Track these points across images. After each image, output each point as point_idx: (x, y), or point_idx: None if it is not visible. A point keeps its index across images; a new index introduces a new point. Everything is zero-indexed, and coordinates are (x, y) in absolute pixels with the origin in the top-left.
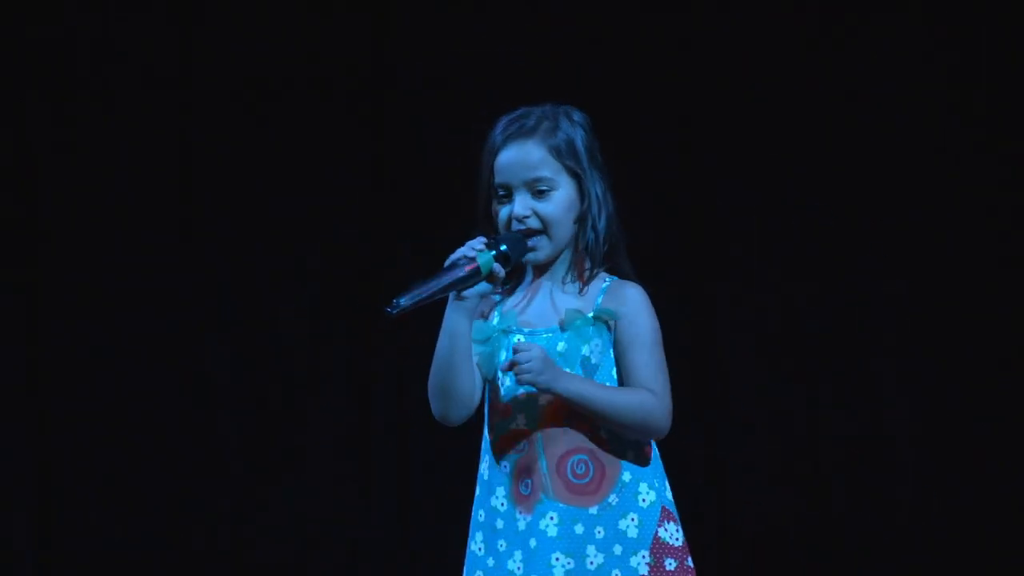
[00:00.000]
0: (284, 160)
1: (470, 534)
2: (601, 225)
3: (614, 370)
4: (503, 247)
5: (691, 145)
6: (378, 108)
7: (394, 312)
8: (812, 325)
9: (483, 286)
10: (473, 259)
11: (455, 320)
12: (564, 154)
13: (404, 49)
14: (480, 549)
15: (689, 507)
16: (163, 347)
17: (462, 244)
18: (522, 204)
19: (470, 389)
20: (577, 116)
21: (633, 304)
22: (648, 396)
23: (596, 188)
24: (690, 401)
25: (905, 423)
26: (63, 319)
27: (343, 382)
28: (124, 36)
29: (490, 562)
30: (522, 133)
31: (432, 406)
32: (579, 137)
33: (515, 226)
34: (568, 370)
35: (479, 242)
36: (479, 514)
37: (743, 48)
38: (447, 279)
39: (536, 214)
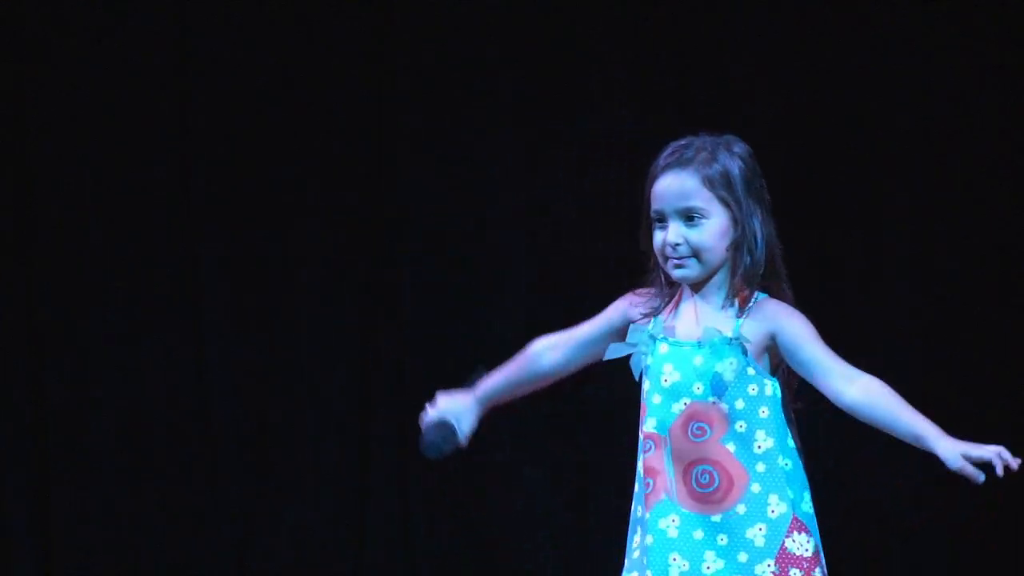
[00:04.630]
0: (284, 169)
1: (630, 529)
2: (757, 253)
3: (749, 387)
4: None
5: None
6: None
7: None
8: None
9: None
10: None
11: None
12: (717, 184)
13: (404, 47)
14: (636, 541)
15: None
16: (162, 349)
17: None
18: (674, 232)
19: (532, 380)
20: (737, 147)
21: (776, 316)
22: (871, 381)
23: (751, 218)
24: None
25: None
26: (62, 319)
27: (343, 397)
28: (124, 33)
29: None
30: (679, 163)
31: None
32: (735, 167)
33: (668, 252)
34: (699, 384)
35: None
36: (637, 509)
37: (745, 42)
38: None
39: (687, 242)
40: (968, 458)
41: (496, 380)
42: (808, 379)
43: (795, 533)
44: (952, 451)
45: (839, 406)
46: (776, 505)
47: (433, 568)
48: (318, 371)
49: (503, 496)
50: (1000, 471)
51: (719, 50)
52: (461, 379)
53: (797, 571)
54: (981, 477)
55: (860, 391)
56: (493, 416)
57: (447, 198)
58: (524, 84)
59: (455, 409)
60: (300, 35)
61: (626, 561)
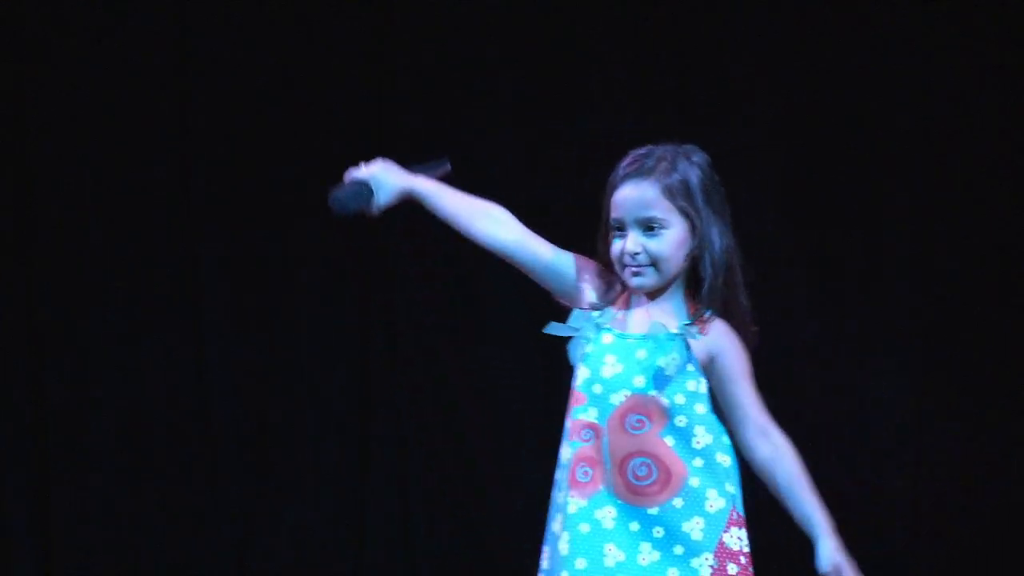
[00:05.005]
0: (284, 169)
1: (551, 514)
2: (716, 263)
3: (688, 383)
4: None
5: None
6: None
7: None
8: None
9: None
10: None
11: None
12: (677, 195)
13: (403, 49)
14: (557, 528)
15: None
16: (162, 349)
17: None
18: (633, 241)
19: (468, 228)
20: (697, 157)
21: (721, 339)
22: (784, 447)
23: (709, 228)
24: None
25: (896, 425)
26: (62, 318)
27: (342, 395)
28: (124, 33)
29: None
30: (640, 173)
31: None
32: (695, 178)
33: (627, 260)
34: (641, 377)
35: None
36: (558, 495)
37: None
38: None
39: (646, 251)
40: (836, 573)
41: (440, 193)
42: (725, 415)
43: (733, 528)
44: (828, 557)
45: (744, 457)
46: (715, 500)
47: (433, 568)
48: (318, 371)
49: (503, 496)
50: None
51: (719, 50)
52: (455, 362)
53: (735, 566)
54: None
55: (767, 454)
56: (492, 417)
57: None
58: (524, 84)
59: (383, 180)
60: (300, 35)
61: (546, 548)
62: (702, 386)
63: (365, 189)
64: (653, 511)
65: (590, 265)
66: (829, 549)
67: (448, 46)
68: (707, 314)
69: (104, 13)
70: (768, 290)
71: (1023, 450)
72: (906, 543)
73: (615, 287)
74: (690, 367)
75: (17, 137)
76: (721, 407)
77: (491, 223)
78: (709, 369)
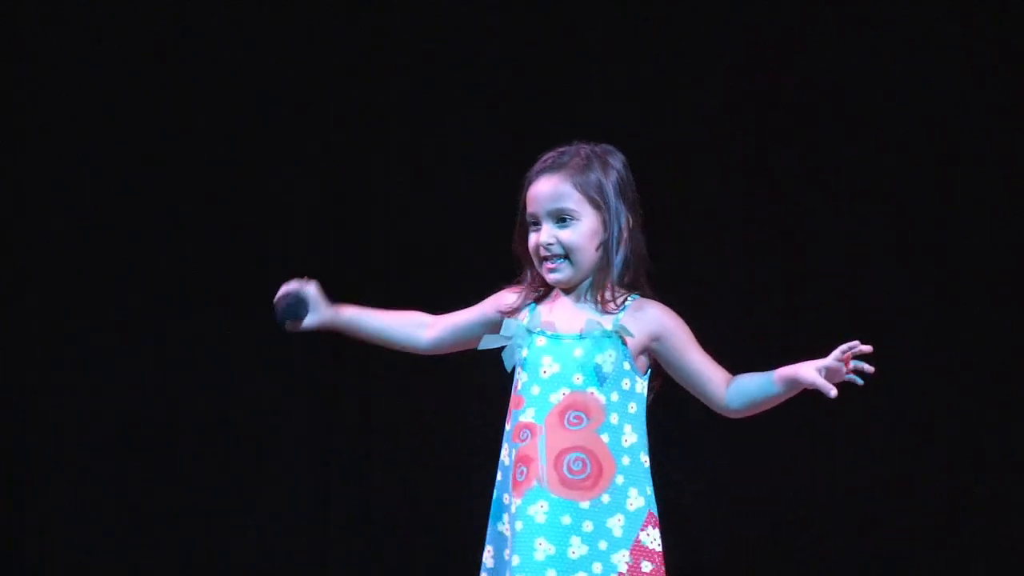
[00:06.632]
0: (283, 169)
1: (493, 515)
2: (622, 254)
3: (623, 381)
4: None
5: (692, 145)
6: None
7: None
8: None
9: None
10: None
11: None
12: (589, 188)
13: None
14: (506, 529)
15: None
16: (159, 349)
17: None
18: (547, 233)
19: (402, 339)
20: (611, 156)
21: (662, 320)
22: (733, 377)
23: (620, 220)
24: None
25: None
26: (60, 319)
27: (307, 411)
28: (123, 33)
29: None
30: (553, 167)
31: None
32: (609, 173)
33: (542, 252)
34: (580, 375)
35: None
36: (503, 496)
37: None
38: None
39: (559, 241)
40: (820, 371)
41: (361, 317)
42: (687, 386)
43: (649, 527)
44: (809, 369)
45: (723, 413)
46: (635, 498)
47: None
48: (290, 378)
49: (466, 503)
50: (849, 370)
51: (719, 50)
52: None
53: (649, 564)
54: (832, 392)
55: (729, 388)
56: (457, 425)
57: (445, 199)
58: (524, 84)
59: (315, 304)
60: (299, 35)
61: (490, 547)
62: (637, 385)
63: (302, 308)
64: (584, 505)
65: (500, 295)
66: (809, 366)
67: (446, 46)
68: (632, 299)
69: (104, 13)
70: (767, 290)
71: (1023, 450)
72: (906, 543)
73: (532, 294)
74: (626, 365)
75: (17, 137)
76: (682, 379)
77: (423, 333)
78: (655, 349)
